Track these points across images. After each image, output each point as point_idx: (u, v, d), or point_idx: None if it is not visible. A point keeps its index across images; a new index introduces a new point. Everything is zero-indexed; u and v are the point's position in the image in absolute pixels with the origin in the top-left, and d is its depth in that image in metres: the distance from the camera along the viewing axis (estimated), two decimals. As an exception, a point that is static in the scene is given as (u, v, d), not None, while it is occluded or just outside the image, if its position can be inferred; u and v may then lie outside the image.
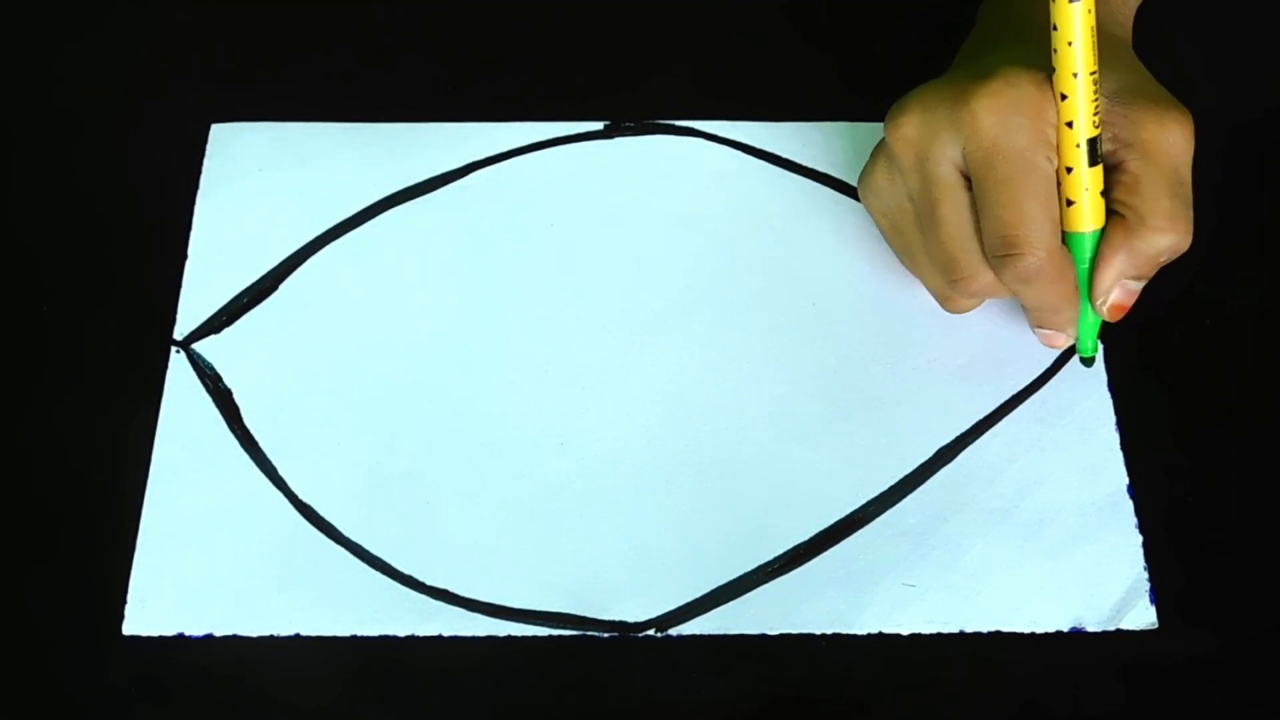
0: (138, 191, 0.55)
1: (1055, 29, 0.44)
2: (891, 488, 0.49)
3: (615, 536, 0.48)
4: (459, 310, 0.53)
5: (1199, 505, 0.49)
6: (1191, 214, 0.46)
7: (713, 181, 0.56)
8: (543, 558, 0.48)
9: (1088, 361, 0.50)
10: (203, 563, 0.48)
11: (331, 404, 0.51)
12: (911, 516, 0.49)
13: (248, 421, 0.50)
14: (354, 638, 0.47)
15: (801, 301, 0.53)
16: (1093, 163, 0.45)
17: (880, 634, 0.47)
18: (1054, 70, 0.45)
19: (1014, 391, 0.51)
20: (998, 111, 0.44)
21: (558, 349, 0.52)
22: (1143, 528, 0.48)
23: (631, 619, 0.47)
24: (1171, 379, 0.52)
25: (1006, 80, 0.45)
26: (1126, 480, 0.49)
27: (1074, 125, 0.45)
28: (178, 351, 0.52)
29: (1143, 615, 0.47)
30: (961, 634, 0.47)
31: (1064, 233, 0.46)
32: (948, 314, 0.50)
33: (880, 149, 0.49)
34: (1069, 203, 0.46)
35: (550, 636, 0.47)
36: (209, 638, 0.47)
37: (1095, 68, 0.45)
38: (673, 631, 0.47)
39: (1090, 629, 0.47)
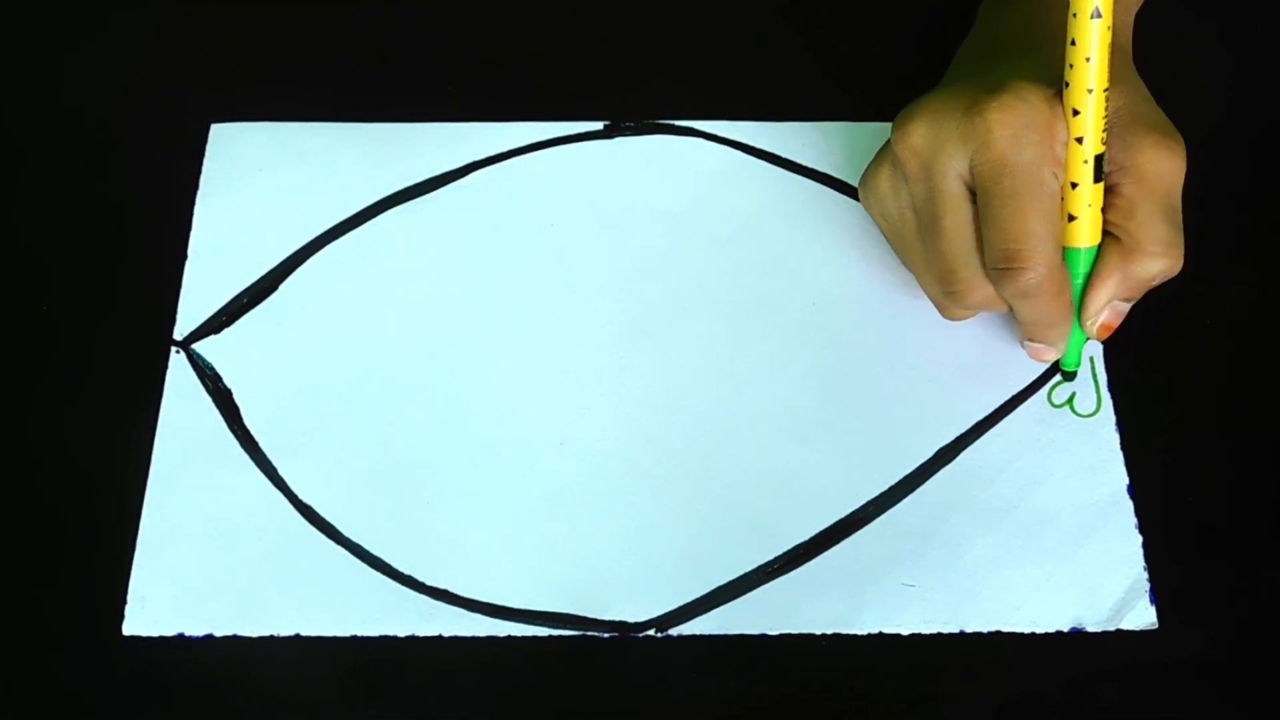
0: (138, 192, 0.55)
1: (1073, 44, 0.44)
2: (891, 488, 0.49)
3: (615, 536, 0.48)
4: (459, 310, 0.53)
5: (1199, 505, 0.49)
6: (1183, 239, 0.46)
7: (713, 181, 0.56)
8: (542, 558, 0.48)
9: (1070, 376, 0.50)
10: (203, 563, 0.48)
11: (331, 404, 0.51)
12: (911, 516, 0.49)
13: (248, 421, 0.50)
14: (354, 638, 0.47)
15: (801, 301, 0.53)
16: (1097, 179, 0.45)
17: (880, 634, 0.47)
18: (1067, 85, 0.45)
19: (1014, 392, 0.51)
20: (1009, 126, 0.44)
21: (558, 349, 0.52)
22: (1143, 528, 0.48)
23: (631, 619, 0.47)
24: (1171, 379, 0.52)
25: (1019, 95, 0.45)
26: (1126, 480, 0.49)
27: (1083, 141, 0.45)
28: (178, 351, 0.52)
29: (1143, 615, 0.47)
30: (961, 634, 0.47)
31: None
32: (942, 317, 0.50)
33: (885, 155, 0.49)
34: (1070, 218, 0.46)
35: (550, 637, 0.47)
36: (209, 638, 0.47)
37: (1108, 84, 0.45)
38: (673, 631, 0.47)
39: (1090, 629, 0.47)
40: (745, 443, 0.50)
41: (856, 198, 0.53)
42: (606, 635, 0.47)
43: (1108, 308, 0.47)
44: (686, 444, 0.50)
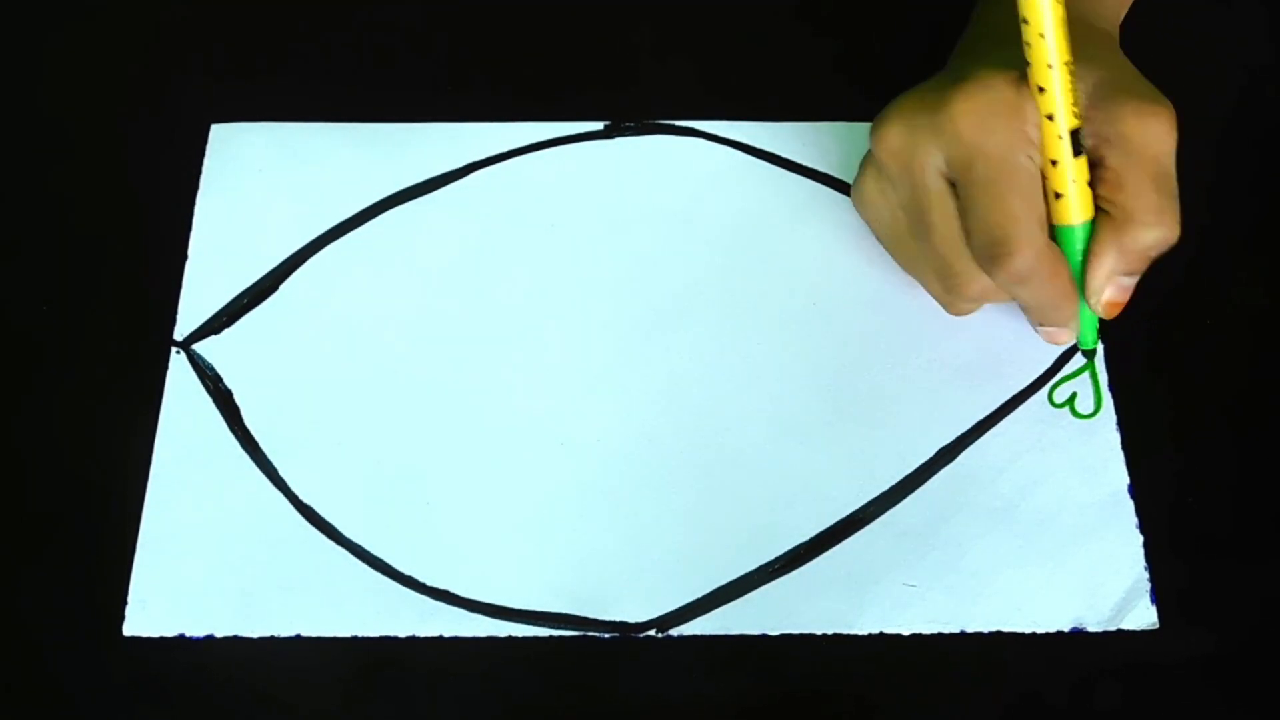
0: (138, 191, 0.55)
1: (1025, 23, 0.44)
2: (892, 488, 0.49)
3: (615, 536, 0.48)
4: (459, 310, 0.53)
5: (1200, 505, 0.49)
6: (1178, 205, 0.45)
7: (713, 181, 0.56)
8: (543, 558, 0.48)
9: (1089, 354, 0.50)
10: (203, 563, 0.48)
11: (332, 404, 0.51)
12: (912, 516, 0.49)
13: (248, 422, 0.50)
14: (354, 638, 0.47)
15: (801, 301, 0.53)
16: (1077, 153, 0.45)
17: (881, 634, 0.47)
18: (1029, 65, 0.45)
19: (1015, 391, 0.51)
20: (974, 114, 0.44)
21: (558, 349, 0.52)
22: (1143, 528, 0.48)
23: (632, 619, 0.47)
24: (1171, 379, 0.52)
25: (980, 83, 0.45)
26: (1127, 480, 0.49)
27: (1054, 117, 0.45)
28: (178, 352, 0.52)
29: (1143, 615, 0.47)
30: (962, 634, 0.47)
31: (1055, 228, 0.46)
32: (948, 314, 0.50)
33: (868, 160, 0.49)
34: (1057, 196, 0.46)
35: (550, 637, 0.47)
36: (209, 639, 0.47)
37: (1069, 58, 0.44)
38: (673, 632, 0.47)
39: (1091, 629, 0.47)
40: (746, 443, 0.50)
41: (856, 198, 0.53)
42: (607, 635, 0.47)
43: (1111, 284, 0.46)
44: (687, 444, 0.50)
